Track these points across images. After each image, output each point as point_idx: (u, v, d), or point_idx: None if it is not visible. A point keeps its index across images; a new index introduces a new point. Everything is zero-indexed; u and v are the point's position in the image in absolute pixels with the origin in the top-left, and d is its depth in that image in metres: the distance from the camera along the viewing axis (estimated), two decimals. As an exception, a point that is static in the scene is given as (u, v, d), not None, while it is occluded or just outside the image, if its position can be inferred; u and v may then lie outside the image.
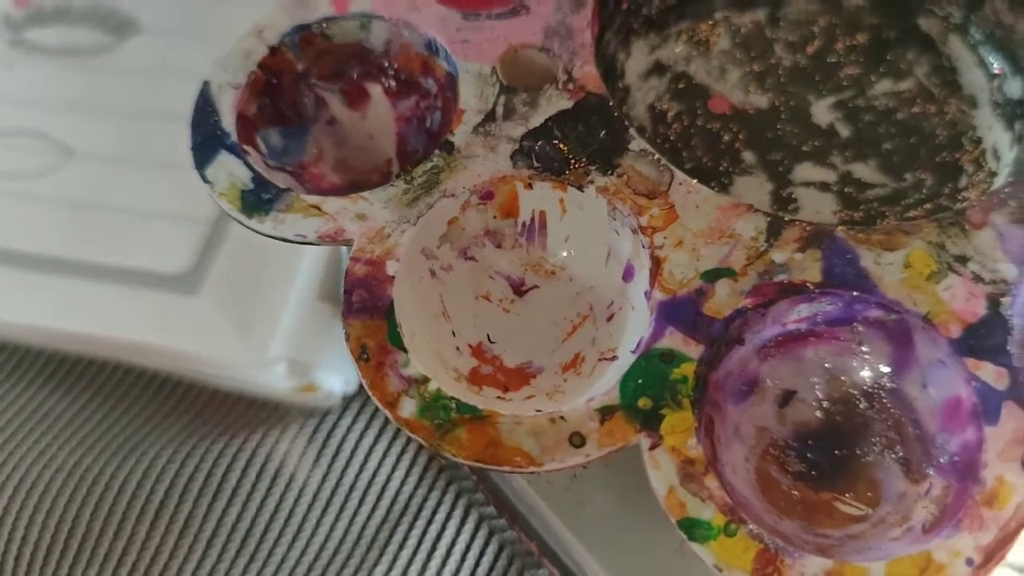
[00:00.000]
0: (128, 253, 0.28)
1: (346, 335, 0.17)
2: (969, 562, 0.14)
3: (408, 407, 0.16)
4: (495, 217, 0.19)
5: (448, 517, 0.25)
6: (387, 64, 0.21)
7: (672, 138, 0.21)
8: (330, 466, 0.26)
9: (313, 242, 0.18)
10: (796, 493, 0.17)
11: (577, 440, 0.15)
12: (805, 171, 0.20)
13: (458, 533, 0.25)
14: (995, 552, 0.14)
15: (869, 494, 0.16)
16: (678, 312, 0.16)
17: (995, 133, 0.20)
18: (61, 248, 0.29)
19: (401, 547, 0.25)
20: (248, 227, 0.18)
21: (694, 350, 0.16)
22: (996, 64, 0.21)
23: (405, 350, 0.16)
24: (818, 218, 0.20)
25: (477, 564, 0.25)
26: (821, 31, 0.22)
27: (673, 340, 0.16)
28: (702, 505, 0.15)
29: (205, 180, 0.19)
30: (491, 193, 0.18)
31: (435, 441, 0.16)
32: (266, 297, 0.26)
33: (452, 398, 0.16)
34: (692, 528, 0.15)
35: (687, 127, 0.21)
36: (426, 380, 0.16)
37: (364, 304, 0.17)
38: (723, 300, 0.16)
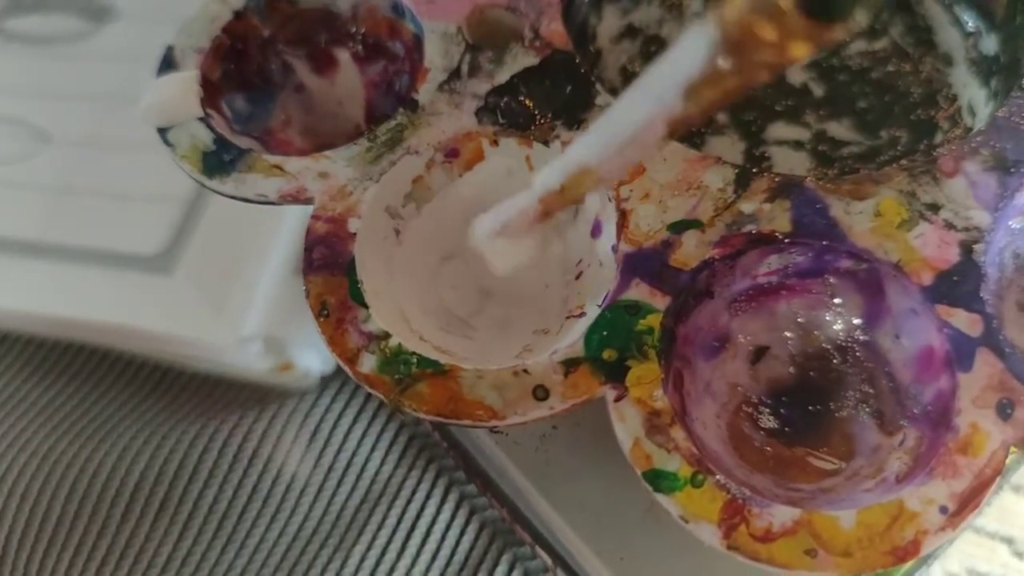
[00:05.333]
0: (103, 235, 0.28)
1: (306, 292, 0.16)
2: (943, 510, 0.14)
3: (368, 363, 0.16)
4: (461, 175, 0.18)
5: (428, 497, 0.25)
6: (355, 29, 0.21)
7: (644, 100, 0.21)
8: (308, 447, 0.25)
9: (274, 202, 0.17)
10: (769, 449, 0.16)
11: (541, 393, 0.15)
12: (778, 130, 0.20)
13: (438, 513, 0.25)
14: (970, 500, 0.14)
15: (843, 448, 0.16)
16: (644, 263, 0.16)
17: (970, 90, 0.20)
18: (36, 232, 0.28)
19: (380, 527, 0.25)
20: (209, 188, 0.18)
21: (660, 301, 0.16)
22: (971, 22, 0.21)
23: (366, 306, 0.16)
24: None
25: (457, 543, 0.24)
26: (795, -7, 0.22)
27: (639, 291, 0.16)
28: (668, 456, 0.14)
29: (167, 143, 0.18)
30: (456, 150, 0.18)
31: (395, 396, 0.15)
32: (241, 275, 0.26)
33: (413, 352, 0.16)
34: (658, 480, 0.14)
35: (659, 89, 0.21)
36: (387, 336, 0.16)
37: (325, 261, 0.17)
38: (690, 251, 0.16)
